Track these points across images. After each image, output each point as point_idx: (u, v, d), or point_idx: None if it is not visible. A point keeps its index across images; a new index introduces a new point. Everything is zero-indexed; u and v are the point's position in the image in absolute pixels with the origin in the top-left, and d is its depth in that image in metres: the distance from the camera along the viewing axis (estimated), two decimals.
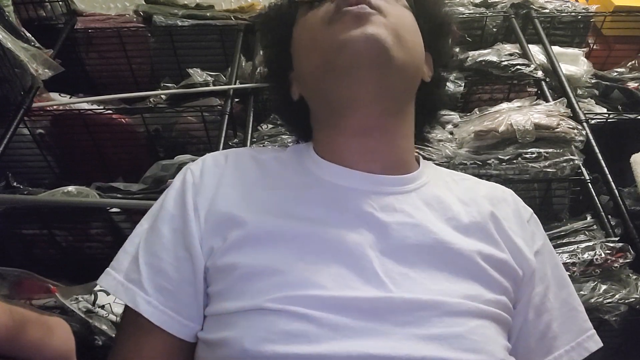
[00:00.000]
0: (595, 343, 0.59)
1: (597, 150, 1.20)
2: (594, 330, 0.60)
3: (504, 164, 1.14)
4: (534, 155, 1.14)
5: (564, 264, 1.01)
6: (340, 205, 0.56)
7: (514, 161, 1.14)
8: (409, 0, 0.63)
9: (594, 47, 1.64)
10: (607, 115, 1.33)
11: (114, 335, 0.98)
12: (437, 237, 0.55)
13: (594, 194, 1.16)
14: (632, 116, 1.32)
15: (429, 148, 1.20)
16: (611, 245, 1.03)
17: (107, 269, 0.57)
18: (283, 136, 1.19)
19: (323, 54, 0.56)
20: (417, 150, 1.19)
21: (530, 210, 0.65)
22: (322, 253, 0.52)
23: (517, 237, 0.59)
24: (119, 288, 0.55)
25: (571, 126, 1.17)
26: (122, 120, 1.42)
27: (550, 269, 0.61)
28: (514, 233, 0.59)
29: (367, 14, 0.55)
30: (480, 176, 1.16)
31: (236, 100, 1.37)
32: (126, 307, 0.56)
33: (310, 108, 0.65)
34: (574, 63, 1.46)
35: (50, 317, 0.27)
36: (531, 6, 1.58)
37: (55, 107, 1.38)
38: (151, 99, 1.46)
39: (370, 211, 0.55)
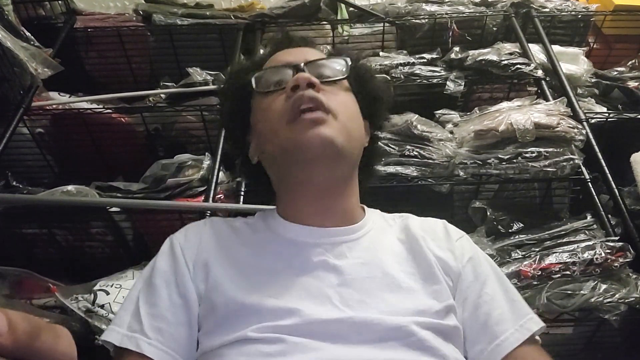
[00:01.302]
0: (536, 324, 0.64)
1: (597, 150, 1.20)
2: (533, 314, 0.66)
3: (504, 163, 1.14)
4: (534, 155, 1.14)
5: (564, 263, 1.01)
6: (300, 256, 0.66)
7: (514, 160, 1.14)
8: (349, 82, 0.73)
9: (594, 46, 1.64)
10: (607, 114, 1.33)
11: None
12: (384, 270, 0.66)
13: (594, 193, 1.16)
14: (632, 115, 1.32)
15: (429, 147, 1.20)
16: (611, 244, 1.03)
17: (110, 325, 0.64)
18: None
19: (284, 148, 0.66)
20: (417, 151, 1.19)
21: (462, 232, 0.76)
22: (288, 291, 0.62)
23: (442, 252, 0.69)
24: (124, 339, 0.61)
25: (571, 125, 1.17)
26: (122, 119, 1.42)
27: (486, 269, 0.69)
28: (441, 249, 0.70)
29: (322, 119, 0.64)
30: (480, 175, 1.16)
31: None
32: (122, 354, 0.62)
33: (269, 173, 0.75)
34: (574, 62, 1.46)
35: (55, 325, 0.29)
36: (531, 5, 1.58)
37: (54, 106, 1.38)
38: (151, 98, 1.46)
39: (325, 259, 0.66)
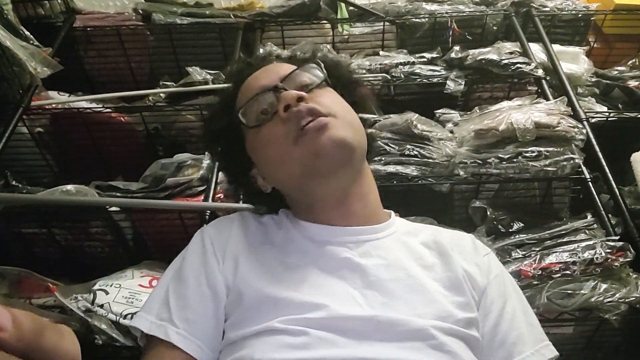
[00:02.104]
0: (551, 352, 0.66)
1: (597, 149, 1.20)
2: (549, 342, 0.67)
3: (504, 162, 1.14)
4: (534, 154, 1.13)
5: (565, 262, 1.01)
6: (326, 255, 0.67)
7: (514, 160, 1.14)
8: (326, 81, 0.73)
9: (595, 45, 1.64)
10: (607, 113, 1.33)
11: (113, 334, 0.98)
12: (408, 272, 0.67)
13: (595, 193, 1.16)
14: (632, 115, 1.32)
15: (429, 147, 1.19)
16: (611, 244, 1.03)
17: (139, 312, 0.66)
18: None
19: (302, 165, 0.66)
20: (417, 150, 1.19)
21: (489, 249, 0.77)
22: (314, 288, 0.63)
23: (470, 266, 0.70)
24: (152, 327, 0.63)
25: (571, 125, 1.17)
26: (121, 118, 1.42)
27: (510, 289, 0.71)
28: (468, 263, 0.71)
29: (325, 123, 0.65)
30: (480, 175, 1.16)
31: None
32: (150, 341, 0.64)
33: (285, 195, 0.76)
34: (574, 61, 1.46)
35: (59, 324, 0.30)
36: (532, 4, 1.58)
37: (54, 105, 1.37)
38: (150, 98, 1.45)
39: (350, 257, 0.67)
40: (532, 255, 1.04)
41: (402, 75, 1.37)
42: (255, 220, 0.75)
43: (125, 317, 0.99)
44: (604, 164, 1.18)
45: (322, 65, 0.74)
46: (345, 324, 0.60)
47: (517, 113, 1.17)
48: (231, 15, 1.56)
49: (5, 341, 0.25)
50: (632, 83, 1.49)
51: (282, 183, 0.73)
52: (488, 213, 1.16)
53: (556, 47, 1.47)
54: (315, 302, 0.61)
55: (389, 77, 1.39)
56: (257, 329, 0.60)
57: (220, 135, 0.77)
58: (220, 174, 1.20)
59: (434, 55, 1.43)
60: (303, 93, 0.67)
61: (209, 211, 1.08)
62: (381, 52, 1.50)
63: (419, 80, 1.37)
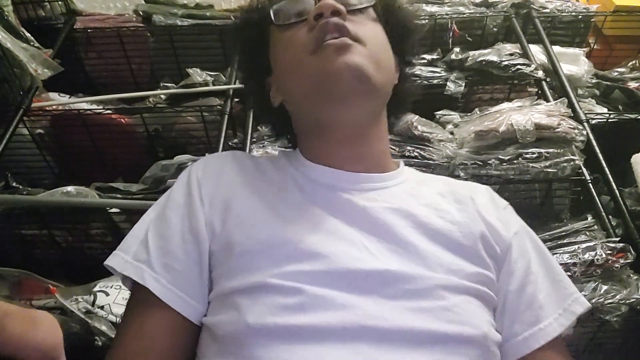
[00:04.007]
0: (581, 305, 0.61)
1: (597, 151, 1.20)
2: (578, 293, 0.62)
3: (504, 164, 1.14)
4: (534, 156, 1.13)
5: (565, 264, 1.01)
6: (327, 198, 0.62)
7: (515, 161, 1.14)
8: (376, 12, 0.68)
9: (595, 46, 1.64)
10: (607, 115, 1.33)
11: (113, 335, 0.98)
12: (417, 218, 0.61)
13: (595, 194, 1.16)
14: (632, 116, 1.32)
15: (429, 148, 1.19)
16: (612, 245, 1.03)
17: (115, 251, 0.60)
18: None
19: (312, 81, 0.61)
20: (417, 152, 1.19)
21: (506, 202, 0.71)
22: (313, 231, 0.58)
23: (491, 217, 0.65)
24: (128, 266, 0.58)
25: (572, 126, 1.17)
26: (122, 120, 1.42)
27: (530, 246, 0.66)
28: (489, 214, 0.65)
29: (348, 45, 0.60)
30: (480, 176, 1.16)
31: (236, 100, 1.36)
32: (133, 289, 0.59)
33: (292, 116, 0.71)
34: (574, 63, 1.46)
35: (35, 311, 0.27)
36: (532, 6, 1.58)
37: (54, 107, 1.37)
38: (151, 99, 1.46)
39: (354, 201, 0.62)
40: None
41: None
42: (250, 159, 0.69)
43: None
44: (605, 165, 1.18)
45: None
46: (346, 277, 0.54)
47: (518, 114, 1.17)
48: (231, 17, 1.56)
49: None
50: (633, 84, 1.49)
51: (291, 95, 0.67)
52: None
53: (556, 49, 1.47)
54: (314, 250, 0.56)
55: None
56: (249, 284, 0.54)
57: (247, 31, 0.72)
58: None
59: (434, 56, 1.43)
60: (340, 6, 0.61)
61: None
62: None
63: (419, 81, 1.37)
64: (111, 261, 0.59)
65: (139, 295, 0.57)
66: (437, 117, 1.31)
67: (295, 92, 0.65)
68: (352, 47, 0.60)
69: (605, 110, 1.41)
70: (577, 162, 1.15)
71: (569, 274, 1.00)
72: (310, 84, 0.62)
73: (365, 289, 0.54)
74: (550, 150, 1.14)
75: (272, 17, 0.66)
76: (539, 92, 1.38)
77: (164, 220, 0.61)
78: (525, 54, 1.42)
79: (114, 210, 1.14)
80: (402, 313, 0.53)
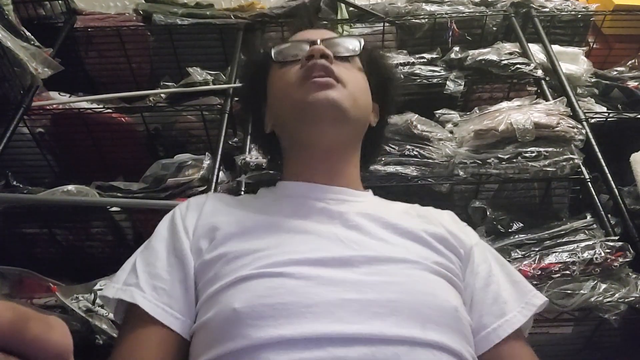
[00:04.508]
0: (539, 299, 0.68)
1: (596, 149, 1.20)
2: (535, 290, 0.70)
3: (503, 163, 1.14)
4: (533, 154, 1.14)
5: (564, 262, 1.01)
6: (304, 207, 0.70)
7: (514, 160, 1.14)
8: (362, 62, 0.79)
9: (594, 46, 1.64)
10: (607, 114, 1.33)
11: (114, 334, 0.98)
12: (386, 220, 0.69)
13: (594, 193, 1.16)
14: (632, 115, 1.32)
15: (429, 147, 1.20)
16: (611, 244, 1.03)
17: (108, 282, 0.67)
18: None
19: (295, 107, 0.72)
20: (417, 151, 1.19)
21: (464, 223, 0.79)
22: (295, 235, 0.65)
23: (452, 228, 0.73)
24: (119, 292, 0.63)
25: (571, 125, 1.17)
26: (122, 119, 1.42)
27: (489, 255, 0.73)
28: (450, 225, 0.74)
29: (331, 84, 0.70)
30: (480, 175, 1.17)
31: (236, 99, 1.37)
32: (125, 313, 0.64)
33: (279, 137, 0.81)
34: (573, 62, 1.46)
35: (48, 316, 0.28)
36: (531, 5, 1.58)
37: (54, 106, 1.38)
38: (151, 98, 1.46)
39: (326, 207, 0.70)
40: (532, 255, 1.04)
41: (402, 76, 1.37)
42: (229, 195, 0.79)
43: None
44: (604, 164, 1.18)
45: (363, 45, 0.79)
46: (327, 261, 0.61)
47: (517, 113, 1.17)
48: (231, 16, 1.56)
49: None
50: (632, 83, 1.50)
51: (278, 118, 0.78)
52: (487, 213, 1.16)
53: (555, 48, 1.47)
54: (294, 249, 0.62)
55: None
56: (235, 278, 0.59)
57: (252, 66, 0.85)
58: (221, 173, 1.21)
59: (434, 55, 1.43)
60: (329, 52, 0.72)
61: None
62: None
63: (418, 80, 1.38)
64: (105, 291, 0.64)
65: (131, 315, 0.62)
66: (437, 116, 1.31)
67: (282, 115, 0.76)
68: (334, 85, 0.70)
69: (604, 109, 1.41)
70: (576, 161, 1.15)
71: (567, 272, 1.01)
72: (294, 109, 0.72)
73: (344, 265, 0.61)
74: (550, 149, 1.14)
75: (273, 56, 0.78)
76: (538, 91, 1.38)
77: (151, 250, 0.67)
78: (524, 53, 1.42)
79: (114, 209, 1.15)
80: (378, 287, 0.59)
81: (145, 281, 0.63)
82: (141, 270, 0.64)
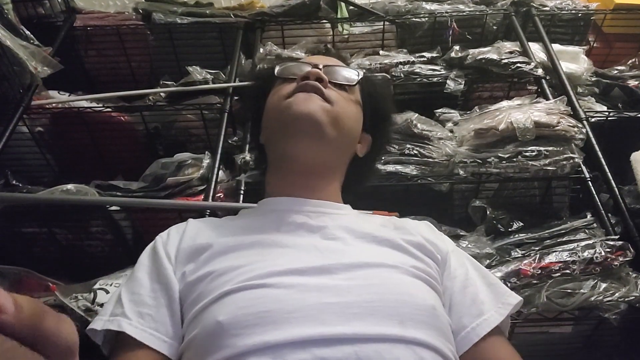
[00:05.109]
0: (515, 298, 0.71)
1: (597, 149, 1.20)
2: (511, 291, 0.73)
3: (504, 162, 1.14)
4: (534, 154, 1.13)
5: (564, 262, 1.01)
6: (285, 221, 0.72)
7: (514, 159, 1.14)
8: (362, 95, 0.83)
9: (595, 45, 1.64)
10: (607, 113, 1.33)
11: None
12: (365, 231, 0.71)
13: (594, 192, 1.16)
14: (632, 114, 1.32)
15: (429, 146, 1.20)
16: (611, 243, 1.03)
17: (96, 317, 0.67)
18: None
19: (279, 119, 0.75)
20: (417, 150, 1.19)
21: (441, 232, 0.82)
22: (275, 249, 0.67)
23: (429, 235, 0.76)
24: (107, 323, 0.64)
25: (571, 124, 1.17)
26: (122, 118, 1.42)
27: (466, 261, 0.76)
28: (426, 234, 0.76)
29: (316, 100, 0.73)
30: (480, 174, 1.16)
31: (235, 98, 1.37)
32: (114, 342, 0.66)
33: (267, 153, 0.84)
34: (574, 61, 1.46)
35: (58, 312, 0.29)
36: (531, 4, 1.58)
37: (54, 105, 1.37)
38: (150, 97, 1.45)
39: (307, 221, 0.72)
40: (532, 254, 1.04)
41: (402, 75, 1.37)
42: (209, 220, 0.81)
43: None
44: (604, 163, 1.18)
45: (361, 77, 0.82)
46: (307, 271, 0.62)
47: (517, 112, 1.17)
48: (231, 15, 1.56)
49: (7, 323, 0.25)
50: (632, 82, 1.50)
51: (266, 130, 0.82)
52: (488, 212, 1.16)
53: (556, 47, 1.47)
54: (276, 262, 0.64)
55: (388, 76, 1.38)
56: (218, 294, 0.61)
57: (257, 81, 0.91)
58: (221, 172, 1.20)
59: (434, 54, 1.43)
60: (324, 76, 0.75)
61: (209, 210, 1.08)
62: (381, 52, 1.50)
63: (418, 79, 1.37)
64: (93, 324, 0.65)
65: (119, 344, 0.64)
66: (437, 115, 1.31)
67: (270, 127, 0.79)
68: (321, 104, 0.73)
69: (604, 108, 1.41)
70: (576, 160, 1.15)
71: (568, 271, 1.00)
72: (278, 121, 0.76)
73: (324, 272, 0.63)
74: (550, 148, 1.14)
75: (275, 72, 0.82)
76: (539, 90, 1.38)
77: (134, 280, 0.69)
78: (524, 52, 1.42)
79: (113, 208, 1.14)
80: (357, 289, 0.61)
81: (130, 309, 0.64)
82: (126, 300, 0.66)
